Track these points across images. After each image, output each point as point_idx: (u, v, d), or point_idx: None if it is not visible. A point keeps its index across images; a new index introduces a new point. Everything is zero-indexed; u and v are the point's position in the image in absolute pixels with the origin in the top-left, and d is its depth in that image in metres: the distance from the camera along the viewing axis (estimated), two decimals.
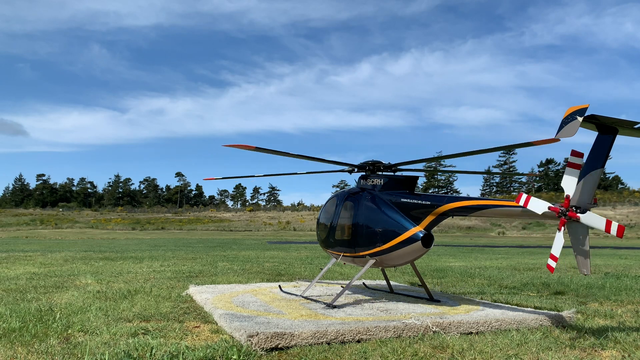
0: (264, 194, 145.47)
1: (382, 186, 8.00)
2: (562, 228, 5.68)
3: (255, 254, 22.22)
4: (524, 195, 5.94)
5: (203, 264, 16.24)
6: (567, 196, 5.63)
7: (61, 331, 5.84)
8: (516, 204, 6.30)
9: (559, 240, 5.70)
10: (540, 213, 5.79)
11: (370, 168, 8.44)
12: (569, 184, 5.65)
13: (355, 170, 8.74)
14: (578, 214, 5.53)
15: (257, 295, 8.47)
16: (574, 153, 5.67)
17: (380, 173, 8.38)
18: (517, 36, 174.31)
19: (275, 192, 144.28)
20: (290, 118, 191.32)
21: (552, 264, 5.84)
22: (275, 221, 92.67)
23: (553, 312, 7.11)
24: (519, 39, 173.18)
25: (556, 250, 5.74)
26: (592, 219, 5.48)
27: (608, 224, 5.34)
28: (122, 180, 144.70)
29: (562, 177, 5.77)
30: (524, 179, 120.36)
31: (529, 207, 5.83)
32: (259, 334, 5.27)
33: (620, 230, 5.26)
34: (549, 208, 5.73)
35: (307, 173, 9.33)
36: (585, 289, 10.60)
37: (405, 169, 8.44)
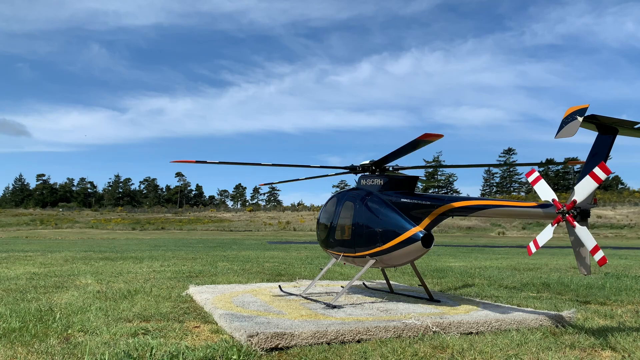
0: (264, 194, 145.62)
1: (382, 186, 8.00)
2: (556, 225, 5.75)
3: (255, 254, 22.22)
4: (536, 173, 5.96)
5: (203, 264, 16.25)
6: (574, 200, 5.59)
7: (61, 331, 5.84)
8: (516, 204, 6.31)
9: (548, 232, 5.80)
10: (542, 199, 5.83)
11: (370, 169, 8.43)
12: (582, 191, 5.56)
13: (359, 168, 8.73)
14: (575, 223, 5.53)
15: (257, 295, 8.47)
16: (603, 167, 5.38)
17: (379, 173, 8.38)
18: (518, 36, 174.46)
19: (275, 192, 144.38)
20: (290, 118, 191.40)
21: (533, 248, 5.96)
22: (275, 221, 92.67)
23: (553, 312, 7.11)
24: (519, 39, 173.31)
25: (542, 239, 5.86)
26: (584, 234, 5.47)
27: (596, 248, 5.36)
28: (122, 180, 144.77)
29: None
30: (523, 179, 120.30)
31: (536, 187, 5.89)
32: (259, 334, 5.27)
33: (603, 261, 5.31)
34: (553, 200, 5.73)
35: (301, 167, 9.25)
36: (585, 289, 10.61)
37: (407, 167, 8.46)
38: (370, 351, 5.19)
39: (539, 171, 6.02)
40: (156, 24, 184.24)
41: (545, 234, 5.82)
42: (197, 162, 8.33)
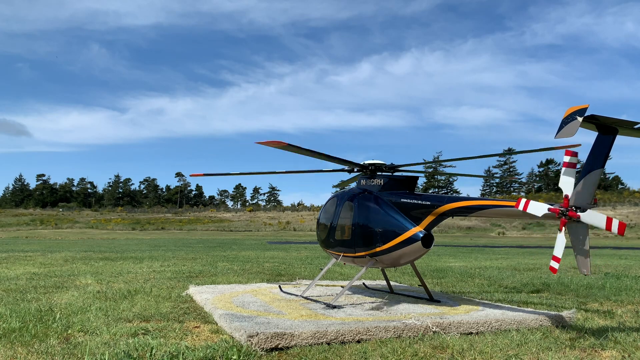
0: (264, 194, 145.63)
1: (382, 186, 8.00)
2: (563, 228, 5.65)
3: (255, 254, 22.22)
4: (523, 200, 5.91)
5: (203, 264, 16.24)
6: (566, 196, 5.62)
7: (61, 331, 5.84)
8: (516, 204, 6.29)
9: (561, 241, 5.68)
10: (540, 215, 5.77)
11: (371, 169, 8.43)
12: (567, 183, 5.65)
13: (355, 170, 8.74)
14: (578, 213, 5.51)
15: (257, 295, 8.47)
16: (569, 152, 5.69)
17: (379, 173, 8.37)
18: (518, 36, 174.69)
19: (275, 192, 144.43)
20: (290, 118, 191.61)
21: (555, 265, 5.79)
22: (275, 221, 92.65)
23: (553, 312, 7.11)
24: (519, 39, 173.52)
25: (558, 251, 5.71)
26: (593, 217, 5.46)
27: (609, 221, 5.30)
28: (122, 180, 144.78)
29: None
30: (524, 179, 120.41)
31: (529, 210, 5.80)
32: (259, 334, 5.27)
33: (622, 227, 5.22)
34: (549, 209, 5.70)
35: (302, 172, 9.28)
36: (585, 289, 10.60)
37: (406, 170, 8.46)
38: (370, 351, 5.19)
39: (576, 159, 5.80)
40: (156, 24, 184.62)
41: (560, 244, 5.69)
42: (207, 174, 8.51)
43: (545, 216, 5.81)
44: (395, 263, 7.64)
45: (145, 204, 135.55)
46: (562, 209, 5.62)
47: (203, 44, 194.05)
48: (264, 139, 6.68)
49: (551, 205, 5.81)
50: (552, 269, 5.83)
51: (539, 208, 5.76)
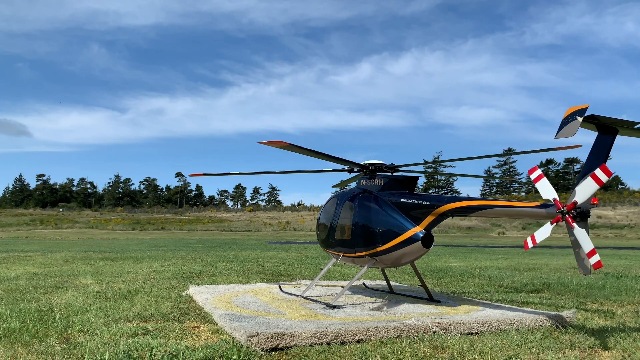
0: (264, 194, 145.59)
1: (382, 186, 8.00)
2: (575, 224, 5.58)
3: (255, 254, 22.22)
4: (539, 171, 6.02)
5: (203, 264, 16.24)
6: (575, 202, 5.55)
7: (61, 331, 5.84)
8: (516, 204, 6.30)
9: (546, 230, 5.87)
10: (543, 196, 5.88)
11: (371, 169, 8.43)
12: (583, 192, 5.52)
13: (355, 170, 8.74)
14: (574, 224, 5.51)
15: (257, 295, 8.47)
16: (604, 169, 5.35)
17: (380, 173, 8.38)
18: (518, 36, 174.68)
19: (275, 192, 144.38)
20: (290, 118, 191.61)
21: (530, 243, 6.13)
22: (275, 221, 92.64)
23: (553, 312, 7.10)
24: (519, 39, 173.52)
25: (539, 236, 5.97)
26: (582, 236, 5.47)
27: (592, 252, 5.34)
28: (122, 180, 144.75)
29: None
30: (524, 179, 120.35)
31: (538, 185, 5.94)
32: (259, 334, 5.27)
33: (598, 265, 5.31)
34: (554, 199, 5.72)
35: (300, 172, 9.28)
36: (585, 289, 10.60)
37: (406, 170, 8.46)
38: (370, 351, 5.19)
39: (541, 170, 6.11)
40: (156, 24, 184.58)
41: (543, 232, 5.92)
42: (206, 174, 8.42)
43: (546, 203, 5.98)
44: (396, 263, 7.64)
45: (145, 204, 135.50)
46: (564, 208, 5.59)
47: (203, 44, 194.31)
48: (264, 139, 6.67)
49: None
50: (526, 244, 6.17)
51: (547, 189, 5.96)
